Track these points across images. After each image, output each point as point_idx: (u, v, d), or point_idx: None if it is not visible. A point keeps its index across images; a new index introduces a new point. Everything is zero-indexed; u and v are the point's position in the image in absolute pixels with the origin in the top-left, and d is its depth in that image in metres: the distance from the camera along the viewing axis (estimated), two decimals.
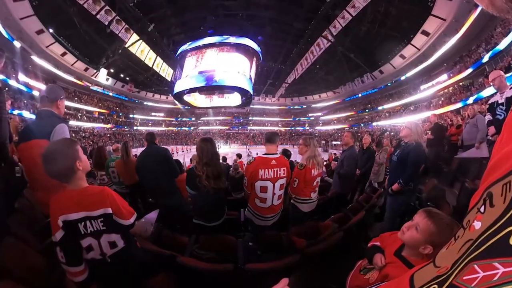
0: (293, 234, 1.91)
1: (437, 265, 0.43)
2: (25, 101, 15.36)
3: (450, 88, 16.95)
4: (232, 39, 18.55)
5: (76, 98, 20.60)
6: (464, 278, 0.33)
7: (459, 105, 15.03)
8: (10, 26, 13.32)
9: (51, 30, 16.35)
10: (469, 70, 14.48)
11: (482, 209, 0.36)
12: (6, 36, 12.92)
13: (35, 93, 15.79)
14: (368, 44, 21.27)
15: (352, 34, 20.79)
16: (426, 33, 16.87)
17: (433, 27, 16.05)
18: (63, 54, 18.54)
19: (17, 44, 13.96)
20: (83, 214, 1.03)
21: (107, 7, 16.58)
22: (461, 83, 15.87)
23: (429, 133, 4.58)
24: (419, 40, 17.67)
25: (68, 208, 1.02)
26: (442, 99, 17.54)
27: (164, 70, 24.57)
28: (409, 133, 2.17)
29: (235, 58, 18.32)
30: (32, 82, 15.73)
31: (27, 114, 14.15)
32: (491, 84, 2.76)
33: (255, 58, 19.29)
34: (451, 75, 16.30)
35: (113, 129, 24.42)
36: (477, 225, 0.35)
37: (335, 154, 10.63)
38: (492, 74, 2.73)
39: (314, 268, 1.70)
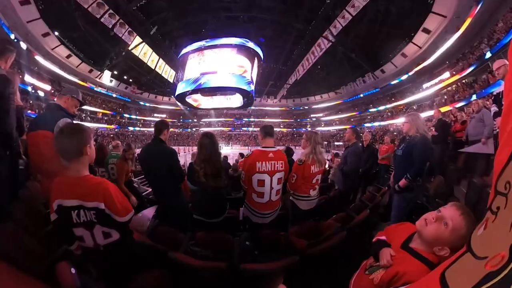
0: (292, 234, 1.84)
1: (480, 255, 0.30)
2: (31, 102, 15.81)
3: (453, 86, 16.63)
4: (233, 41, 18.70)
5: None
6: None
7: (462, 103, 14.72)
8: (18, 29, 13.83)
9: (56, 33, 16.92)
10: (472, 67, 14.21)
11: None
12: (12, 37, 13.41)
13: (41, 93, 16.31)
14: (369, 43, 21.15)
15: (353, 34, 20.75)
16: (427, 31, 16.68)
17: (434, 24, 15.87)
18: (68, 56, 19.10)
19: (23, 45, 14.46)
20: (77, 202, 1.04)
21: (110, 11, 17.08)
22: (464, 81, 15.55)
23: (433, 129, 4.41)
24: (420, 38, 17.48)
25: (64, 193, 1.05)
26: (445, 97, 17.21)
27: (167, 72, 25.00)
28: (409, 126, 2.08)
29: (237, 59, 18.43)
30: (38, 83, 16.22)
31: (34, 115, 14.56)
32: (496, 73, 2.64)
33: (256, 60, 19.42)
34: (454, 72, 16.00)
35: (116, 130, 24.86)
36: None
37: (337, 152, 10.45)
38: (497, 62, 2.63)
39: (314, 271, 1.60)
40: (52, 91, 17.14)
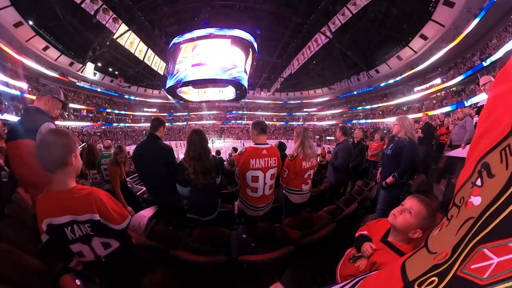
0: (286, 226, 1.92)
1: (432, 250, 0.38)
2: (6, 103, 13.94)
3: (443, 92, 17.81)
4: (228, 32, 17.74)
5: None
6: (473, 267, 0.26)
7: (448, 108, 15.98)
8: None
9: (30, 23, 14.60)
10: (462, 77, 15.25)
11: (478, 182, 0.31)
12: None
13: (18, 93, 14.40)
14: (367, 42, 21.36)
15: (351, 32, 20.71)
16: (424, 37, 17.25)
17: (431, 32, 16.42)
18: (45, 48, 16.76)
19: None
20: (68, 218, 0.95)
21: None
22: (453, 89, 16.71)
23: (419, 131, 4.68)
24: (416, 43, 18.05)
25: (53, 211, 0.95)
26: (434, 101, 18.45)
27: (156, 64, 23.14)
28: (398, 128, 2.22)
29: (231, 51, 17.67)
30: (12, 82, 14.23)
31: (10, 117, 12.92)
32: (482, 88, 2.73)
33: (251, 52, 18.76)
34: (445, 80, 17.06)
35: (103, 127, 23.04)
36: (476, 200, 0.30)
37: (328, 147, 11.07)
38: (483, 78, 2.74)
39: (307, 259, 1.71)
40: (29, 89, 15.23)
